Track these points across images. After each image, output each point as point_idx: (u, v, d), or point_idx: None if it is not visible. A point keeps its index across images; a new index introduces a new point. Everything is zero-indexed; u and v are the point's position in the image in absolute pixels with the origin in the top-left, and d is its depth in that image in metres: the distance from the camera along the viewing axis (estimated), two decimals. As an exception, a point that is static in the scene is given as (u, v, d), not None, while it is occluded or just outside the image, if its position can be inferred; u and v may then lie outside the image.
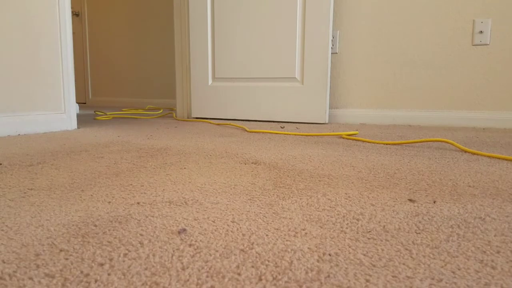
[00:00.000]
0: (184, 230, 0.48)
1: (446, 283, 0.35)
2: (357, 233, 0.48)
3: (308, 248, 0.43)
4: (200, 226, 0.50)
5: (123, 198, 0.63)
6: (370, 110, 2.11)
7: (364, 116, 2.12)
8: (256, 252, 0.42)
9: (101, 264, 0.39)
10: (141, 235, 0.47)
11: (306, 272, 0.37)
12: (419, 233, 0.48)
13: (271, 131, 1.58)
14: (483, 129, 1.83)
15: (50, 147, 1.18)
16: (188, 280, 0.36)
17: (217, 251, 0.42)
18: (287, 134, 1.55)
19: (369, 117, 2.11)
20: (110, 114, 2.58)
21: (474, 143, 1.30)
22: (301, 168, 0.88)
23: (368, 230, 0.49)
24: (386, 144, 1.27)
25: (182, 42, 2.39)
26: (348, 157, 1.02)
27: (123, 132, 1.61)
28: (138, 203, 0.60)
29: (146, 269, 0.38)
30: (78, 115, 2.59)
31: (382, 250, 0.43)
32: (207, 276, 0.37)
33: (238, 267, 0.39)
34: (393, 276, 0.37)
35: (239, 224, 0.51)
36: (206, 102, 2.34)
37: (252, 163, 0.94)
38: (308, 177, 0.78)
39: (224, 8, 2.23)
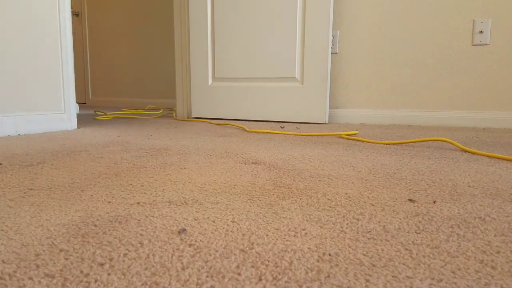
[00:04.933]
0: (184, 230, 0.48)
1: (446, 283, 0.35)
2: (357, 233, 0.48)
3: (308, 248, 0.43)
4: (200, 226, 0.50)
5: (123, 198, 0.63)
6: (370, 110, 2.11)
7: (364, 116, 2.12)
8: (256, 252, 0.42)
9: (101, 264, 0.39)
10: (141, 235, 0.47)
11: (306, 272, 0.37)
12: (419, 233, 0.48)
13: (271, 131, 1.58)
14: (483, 129, 1.83)
15: (50, 147, 1.18)
16: (188, 280, 0.36)
17: (217, 251, 0.42)
18: (287, 134, 1.55)
19: (369, 117, 2.11)
20: (110, 114, 2.57)
21: (474, 143, 1.30)
22: (301, 168, 0.88)
23: (368, 230, 0.49)
24: (386, 144, 1.27)
25: (182, 42, 2.39)
26: (348, 157, 1.02)
27: (123, 132, 1.61)
28: (138, 203, 0.60)
29: (146, 269, 0.38)
30: (78, 115, 2.59)
31: (382, 250, 0.43)
32: (207, 276, 0.37)
33: (238, 267, 0.39)
34: (393, 276, 0.37)
35: (239, 224, 0.51)
36: (206, 102, 2.34)
37: (252, 163, 0.94)
38: (308, 177, 0.78)
39: (224, 8, 2.23)
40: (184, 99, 2.45)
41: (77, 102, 4.37)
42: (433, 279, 0.36)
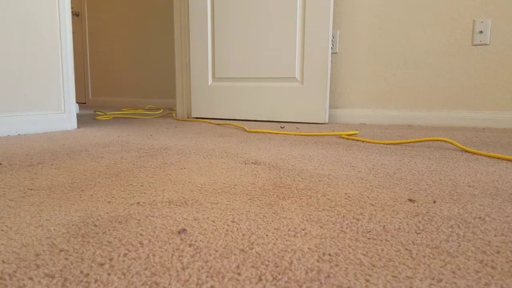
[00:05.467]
0: (184, 230, 0.48)
1: (446, 283, 0.35)
2: (357, 233, 0.48)
3: (308, 248, 0.43)
4: (200, 226, 0.50)
5: (123, 198, 0.63)
6: (370, 110, 2.11)
7: (364, 116, 2.12)
8: (256, 252, 0.42)
9: (101, 264, 0.39)
10: (141, 235, 0.47)
11: (306, 272, 0.37)
12: (419, 233, 0.48)
13: (271, 131, 1.58)
14: (483, 129, 1.83)
15: (50, 147, 1.18)
16: (188, 280, 0.36)
17: (217, 251, 0.42)
18: (287, 134, 1.55)
19: (369, 117, 2.11)
20: (110, 114, 2.57)
21: (474, 143, 1.30)
22: (301, 168, 0.88)
23: (368, 230, 0.49)
24: (386, 144, 1.27)
25: (182, 42, 2.39)
26: (348, 157, 1.02)
27: (123, 132, 1.61)
28: (138, 203, 0.60)
29: (146, 269, 0.38)
30: (78, 115, 2.59)
31: (382, 250, 0.43)
32: (207, 276, 0.37)
33: (238, 267, 0.39)
34: (393, 276, 0.37)
35: (239, 224, 0.51)
36: (206, 102, 2.34)
37: (252, 163, 0.94)
38: (308, 177, 0.78)
39: (224, 8, 2.23)
40: (184, 99, 2.45)
41: (77, 102, 4.37)
42: (433, 279, 0.36)
